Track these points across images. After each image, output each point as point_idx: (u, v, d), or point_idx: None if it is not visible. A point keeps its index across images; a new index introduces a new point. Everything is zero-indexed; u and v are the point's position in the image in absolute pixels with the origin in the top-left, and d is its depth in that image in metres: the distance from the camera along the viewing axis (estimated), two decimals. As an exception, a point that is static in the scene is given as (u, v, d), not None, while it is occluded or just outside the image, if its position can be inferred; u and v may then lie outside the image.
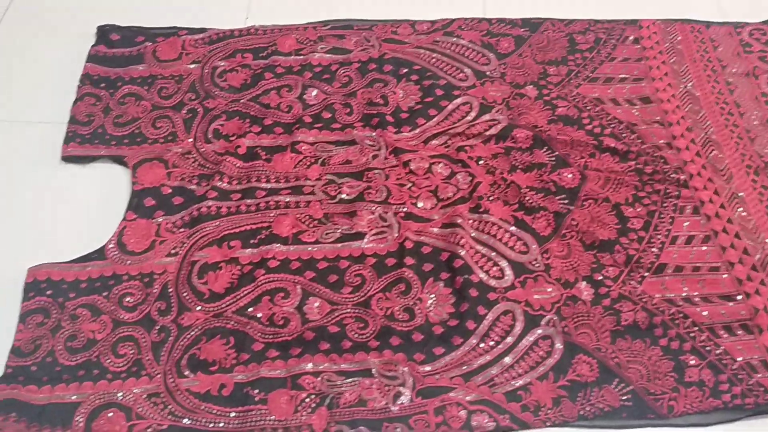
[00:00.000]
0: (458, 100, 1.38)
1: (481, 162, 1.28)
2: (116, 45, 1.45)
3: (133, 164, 1.26)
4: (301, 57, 1.44)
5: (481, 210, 1.21)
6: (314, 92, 1.39)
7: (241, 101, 1.36)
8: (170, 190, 1.23)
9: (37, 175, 1.26)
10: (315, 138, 1.31)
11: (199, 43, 1.46)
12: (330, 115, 1.35)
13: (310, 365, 1.03)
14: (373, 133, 1.32)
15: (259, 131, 1.32)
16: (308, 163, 1.28)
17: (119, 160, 1.28)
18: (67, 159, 1.27)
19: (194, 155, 1.28)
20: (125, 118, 1.33)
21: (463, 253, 1.14)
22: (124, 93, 1.37)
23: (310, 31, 1.48)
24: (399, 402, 1.00)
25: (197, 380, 1.01)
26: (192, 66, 1.42)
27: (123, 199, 1.23)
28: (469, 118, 1.35)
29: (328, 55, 1.45)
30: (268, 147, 1.30)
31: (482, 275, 1.13)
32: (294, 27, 1.49)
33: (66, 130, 1.31)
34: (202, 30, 1.47)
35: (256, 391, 1.00)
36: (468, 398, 1.01)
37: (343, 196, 1.23)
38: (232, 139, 1.30)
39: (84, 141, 1.29)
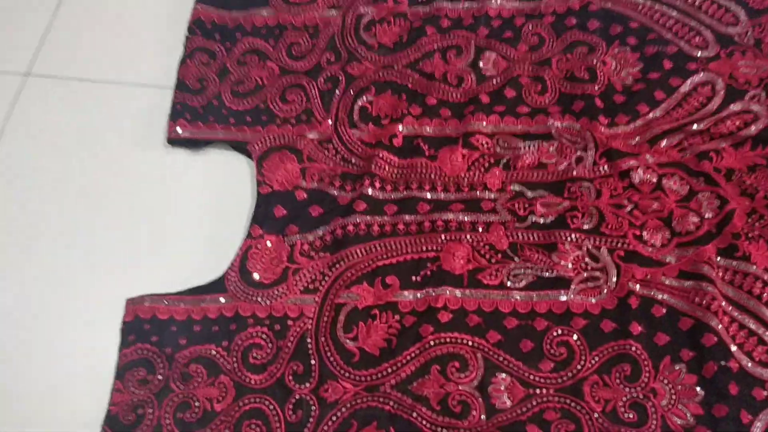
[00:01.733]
0: (696, 78, 0.98)
1: (733, 177, 0.90)
2: (233, -22, 1.12)
3: (258, 156, 0.96)
4: (475, 4, 1.07)
5: (737, 254, 0.84)
6: (492, 57, 1.02)
7: (395, 68, 1.02)
8: (305, 196, 0.93)
9: (134, 165, 0.98)
10: (495, 127, 0.97)
11: (339, -22, 1.10)
12: (515, 94, 0.99)
13: (502, 484, 0.74)
14: (576, 124, 0.95)
15: (419, 114, 0.98)
16: (486, 165, 0.94)
17: (240, 147, 0.98)
18: (174, 142, 0.98)
19: (335, 144, 0.97)
20: (247, 85, 1.02)
21: (715, 323, 0.79)
22: (244, 49, 1.06)
23: (485, -34, 1.09)
24: None
25: (348, 490, 0.75)
26: (330, 13, 1.08)
27: (245, 203, 0.95)
28: (711, 106, 0.96)
29: (510, 4, 1.06)
30: (432, 138, 0.97)
31: (746, 361, 0.78)
32: (464, -41, 1.10)
33: (172, 101, 1.01)
34: (342, -39, 1.11)
35: None
36: None
37: (537, 218, 0.89)
38: (384, 123, 0.98)
39: (195, 117, 1.00)
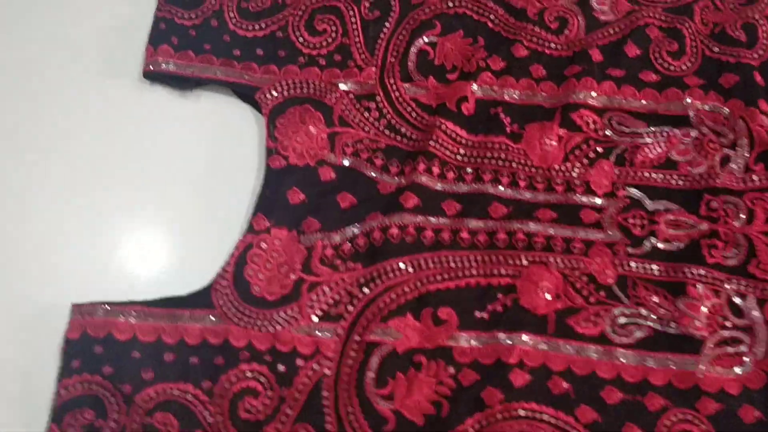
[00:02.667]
0: None
1: None
2: None
3: (270, 110, 0.68)
4: None
5: None
6: (609, -7, 0.74)
7: (472, -4, 0.73)
8: (333, 176, 0.67)
9: (92, 104, 0.70)
10: (608, 100, 0.69)
11: None
12: (639, 52, 0.71)
13: None
14: (725, 108, 0.68)
15: (501, 69, 0.70)
16: (592, 155, 0.67)
17: (246, 94, 0.70)
18: (153, 77, 0.70)
19: (380, 103, 0.69)
20: (261, 1, 0.73)
21: None
22: (261, -53, 0.76)
23: None
24: None
25: None
26: None
27: (247, 179, 0.68)
28: None
29: None
30: (517, 107, 0.70)
31: None
32: None
33: (155, 15, 0.72)
34: None
35: None
36: None
37: (660, 242, 0.64)
38: (451, 78, 0.70)
39: (185, 43, 0.71)
